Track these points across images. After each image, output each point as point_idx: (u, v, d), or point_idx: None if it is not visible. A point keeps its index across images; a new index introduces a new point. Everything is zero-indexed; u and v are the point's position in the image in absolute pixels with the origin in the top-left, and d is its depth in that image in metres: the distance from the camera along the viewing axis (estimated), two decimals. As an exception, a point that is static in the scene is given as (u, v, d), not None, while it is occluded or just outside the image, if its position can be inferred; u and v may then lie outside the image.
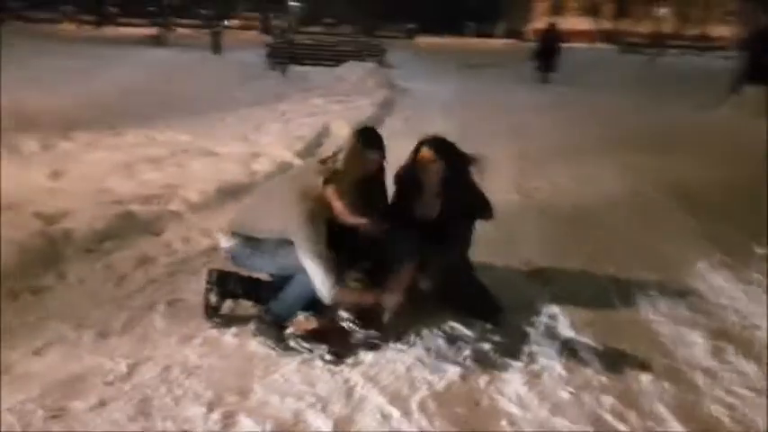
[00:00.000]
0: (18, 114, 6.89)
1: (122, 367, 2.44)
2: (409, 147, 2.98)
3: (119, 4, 36.69)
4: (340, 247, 2.63)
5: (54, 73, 11.48)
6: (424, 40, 33.87)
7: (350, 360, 2.56)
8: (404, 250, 2.75)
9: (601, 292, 3.32)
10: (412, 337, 2.73)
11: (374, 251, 2.81)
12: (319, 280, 2.44)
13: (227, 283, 2.79)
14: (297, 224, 2.42)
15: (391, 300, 2.63)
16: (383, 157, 2.79)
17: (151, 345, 2.63)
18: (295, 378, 2.44)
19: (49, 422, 2.11)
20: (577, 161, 6.39)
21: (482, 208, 2.93)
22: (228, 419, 2.19)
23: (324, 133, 6.59)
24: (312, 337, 2.63)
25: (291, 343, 2.61)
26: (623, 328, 2.94)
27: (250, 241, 2.62)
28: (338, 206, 2.54)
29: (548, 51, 14.93)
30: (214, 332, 2.73)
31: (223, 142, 5.97)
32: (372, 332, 2.66)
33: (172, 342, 2.65)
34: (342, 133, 6.90)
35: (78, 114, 7.31)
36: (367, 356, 2.59)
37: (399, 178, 3.01)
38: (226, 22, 28.96)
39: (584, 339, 2.80)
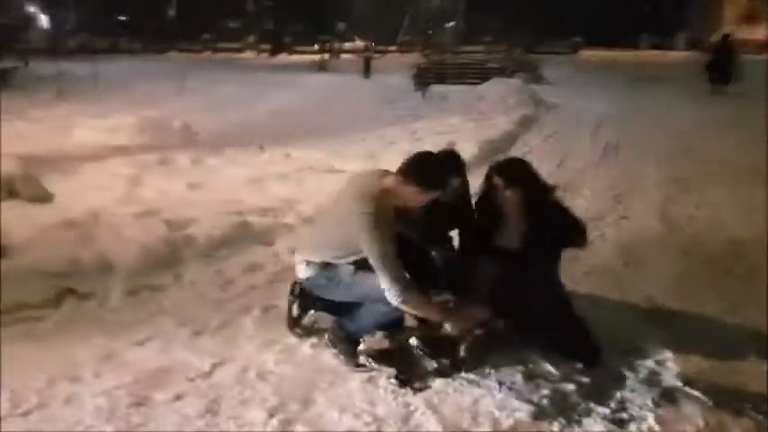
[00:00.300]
0: (184, 134, 7.85)
1: (206, 365, 2.61)
2: (541, 167, 2.83)
3: (294, 34, 40.14)
4: (413, 271, 2.57)
5: (225, 98, 12.94)
6: (590, 54, 32.10)
7: (416, 385, 2.47)
8: (476, 281, 2.61)
9: (730, 342, 2.85)
10: (487, 369, 2.56)
11: (447, 276, 2.71)
12: (388, 281, 2.36)
13: (308, 296, 2.86)
14: (361, 227, 2.38)
15: (456, 327, 2.50)
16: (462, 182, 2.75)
17: (237, 346, 2.79)
18: (358, 395, 2.42)
19: (131, 409, 2.32)
20: (744, 188, 5.57)
21: (570, 235, 2.67)
22: (285, 427, 2.23)
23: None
24: (383, 357, 2.60)
25: (362, 360, 2.60)
26: (746, 384, 2.48)
27: (326, 269, 2.61)
28: (404, 192, 2.45)
29: (722, 63, 13.46)
30: (294, 341, 2.82)
31: (349, 160, 6.20)
32: (443, 361, 2.56)
33: (255, 346, 2.79)
34: (465, 153, 6.81)
35: (232, 134, 8.13)
36: (434, 383, 2.48)
37: (476, 207, 2.88)
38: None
39: (693, 391, 2.41)
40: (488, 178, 2.72)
